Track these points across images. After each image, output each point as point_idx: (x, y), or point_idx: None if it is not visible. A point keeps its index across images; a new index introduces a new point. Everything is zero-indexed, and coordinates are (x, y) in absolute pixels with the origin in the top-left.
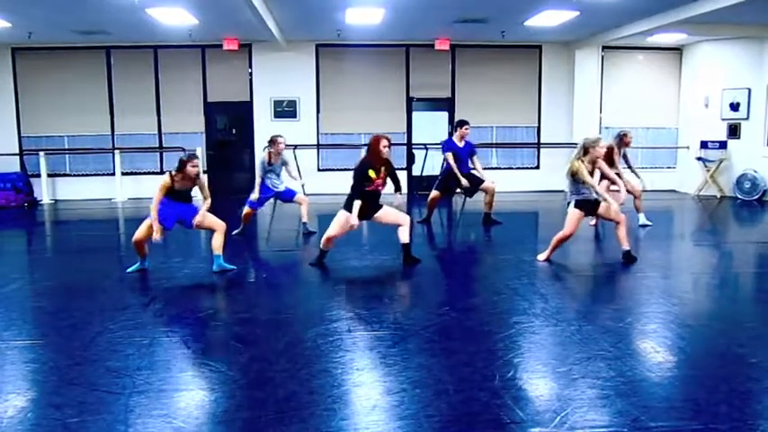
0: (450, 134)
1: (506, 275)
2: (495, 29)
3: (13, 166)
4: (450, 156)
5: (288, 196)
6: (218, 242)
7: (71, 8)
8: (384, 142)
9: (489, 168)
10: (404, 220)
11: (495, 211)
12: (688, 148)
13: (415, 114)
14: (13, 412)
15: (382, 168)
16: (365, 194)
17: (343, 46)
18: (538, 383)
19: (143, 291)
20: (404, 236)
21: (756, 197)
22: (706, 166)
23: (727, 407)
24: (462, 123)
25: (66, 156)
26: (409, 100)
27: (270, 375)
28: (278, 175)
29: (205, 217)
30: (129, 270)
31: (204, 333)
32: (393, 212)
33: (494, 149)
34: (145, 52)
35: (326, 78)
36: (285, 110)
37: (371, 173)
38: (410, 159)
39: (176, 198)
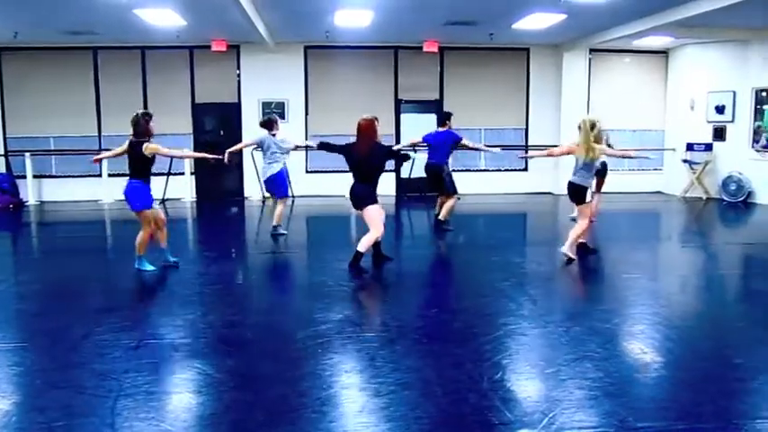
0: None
1: (494, 277)
2: (484, 31)
3: None
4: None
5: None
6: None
7: (58, 8)
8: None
9: (477, 170)
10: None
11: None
12: (674, 150)
13: (403, 116)
14: None
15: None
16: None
17: (331, 48)
18: (526, 385)
19: (129, 293)
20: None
21: (742, 199)
22: (692, 168)
23: (713, 407)
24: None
25: (53, 157)
26: (398, 102)
27: (258, 378)
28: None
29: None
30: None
31: (192, 336)
32: (369, 217)
33: (482, 151)
34: (132, 53)
35: (315, 80)
36: (274, 111)
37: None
38: (399, 162)
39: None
